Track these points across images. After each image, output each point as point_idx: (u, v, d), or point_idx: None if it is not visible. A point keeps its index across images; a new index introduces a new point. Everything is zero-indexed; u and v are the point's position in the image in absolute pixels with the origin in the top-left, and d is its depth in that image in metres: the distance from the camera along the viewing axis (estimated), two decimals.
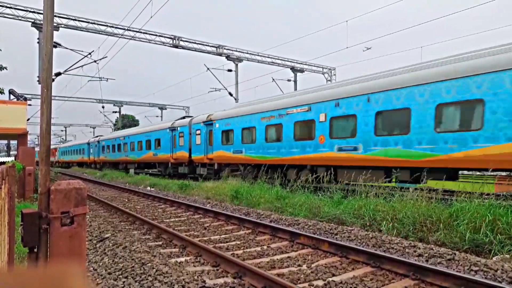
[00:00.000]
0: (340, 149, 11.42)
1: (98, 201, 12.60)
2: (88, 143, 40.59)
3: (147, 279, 4.45)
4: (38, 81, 19.91)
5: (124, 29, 21.42)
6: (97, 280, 4.62)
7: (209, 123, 18.48)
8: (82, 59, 20.63)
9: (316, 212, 8.61)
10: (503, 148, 7.76)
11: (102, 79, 27.49)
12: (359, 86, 11.21)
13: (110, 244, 6.36)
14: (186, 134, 20.64)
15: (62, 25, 20.33)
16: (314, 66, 30.22)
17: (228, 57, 26.15)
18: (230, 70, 26.78)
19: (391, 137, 10.02)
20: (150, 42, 23.03)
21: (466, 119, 8.50)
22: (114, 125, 54.83)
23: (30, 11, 19.42)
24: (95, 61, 21.15)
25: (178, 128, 21.54)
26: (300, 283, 4.39)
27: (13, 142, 40.51)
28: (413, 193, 7.74)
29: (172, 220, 8.99)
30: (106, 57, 20.87)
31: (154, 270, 4.73)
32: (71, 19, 20.69)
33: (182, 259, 5.48)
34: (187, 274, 4.58)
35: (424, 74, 9.41)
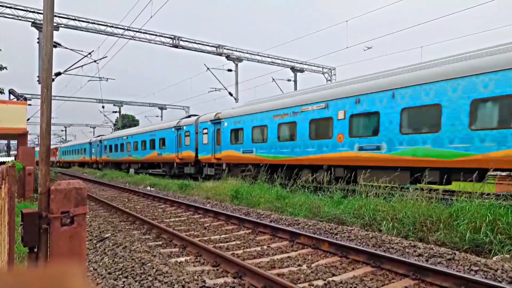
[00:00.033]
0: (360, 149, 10.79)
1: (98, 201, 12.60)
2: (90, 143, 39.87)
3: (147, 279, 4.45)
4: (38, 81, 19.90)
5: (124, 29, 21.42)
6: (97, 280, 4.62)
7: (217, 121, 17.88)
8: (82, 59, 20.64)
9: (316, 212, 8.62)
10: None
11: (102, 79, 27.48)
12: (382, 81, 10.57)
13: (110, 244, 6.36)
14: (192, 133, 20.09)
15: (62, 25, 20.33)
16: (314, 66, 30.21)
17: (228, 57, 26.14)
18: (230, 70, 26.78)
19: (419, 135, 9.38)
20: (150, 42, 23.02)
21: (507, 115, 7.89)
22: (114, 125, 54.83)
23: (30, 11, 19.42)
24: (95, 61, 21.15)
25: (184, 127, 20.97)
26: (300, 283, 4.39)
27: (13, 142, 40.53)
28: (413, 193, 7.74)
29: (172, 220, 8.99)
30: (106, 57, 20.88)
31: (154, 270, 4.73)
32: (71, 19, 20.68)
33: (182, 259, 5.49)
34: (187, 274, 4.58)
35: (457, 68, 8.85)
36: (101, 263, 5.35)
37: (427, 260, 5.09)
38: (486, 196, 7.12)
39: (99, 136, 40.60)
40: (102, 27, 21.48)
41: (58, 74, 20.56)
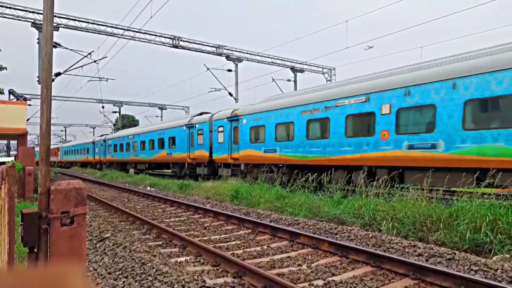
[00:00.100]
0: (410, 147, 9.57)
1: (98, 201, 12.60)
2: (93, 142, 38.55)
3: (147, 279, 4.45)
4: (38, 81, 19.91)
5: (124, 29, 21.42)
6: (97, 280, 4.62)
7: (234, 118, 16.63)
8: (82, 59, 20.64)
9: (316, 211, 8.62)
10: None
11: (102, 79, 27.47)
12: (438, 70, 9.30)
13: (110, 244, 6.36)
14: (206, 131, 18.92)
15: (62, 25, 20.33)
16: (314, 66, 30.21)
17: (228, 57, 26.14)
18: (230, 70, 26.78)
19: (488, 131, 8.15)
20: (150, 42, 23.03)
21: None
22: (114, 125, 54.82)
23: (30, 11, 19.42)
24: (95, 61, 21.16)
25: (197, 125, 19.68)
26: (300, 282, 4.40)
27: (13, 142, 40.53)
28: (413, 192, 7.74)
29: (172, 220, 8.99)
30: (106, 57, 20.89)
31: (154, 270, 4.73)
32: (71, 19, 20.69)
33: (182, 259, 5.49)
34: (187, 274, 4.59)
35: None
36: (101, 263, 5.35)
37: (427, 260, 5.09)
38: (486, 196, 7.10)
39: (102, 135, 39.38)
40: (102, 27, 21.48)
41: (58, 74, 20.57)
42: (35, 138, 66.48)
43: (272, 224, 7.45)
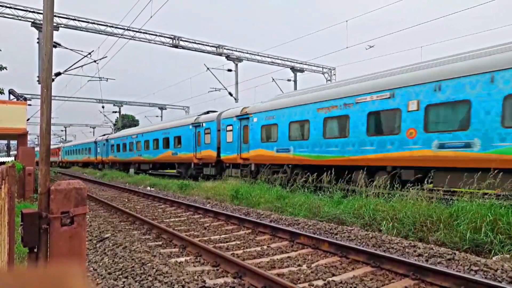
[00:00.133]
0: (441, 146, 8.93)
1: (98, 201, 12.60)
2: (95, 142, 37.75)
3: (147, 279, 4.45)
4: (38, 81, 19.91)
5: (124, 29, 21.42)
6: (97, 280, 4.62)
7: (244, 117, 15.97)
8: (82, 59, 20.64)
9: (316, 212, 8.62)
10: None
11: (102, 79, 27.46)
12: (474, 62, 8.69)
13: (110, 244, 6.36)
14: (213, 130, 18.27)
15: (62, 25, 20.33)
16: (314, 66, 30.22)
17: (228, 57, 26.15)
18: (230, 70, 26.78)
19: None
20: (150, 42, 23.03)
21: None
22: (114, 125, 54.82)
23: (30, 11, 19.42)
24: (95, 61, 21.15)
25: (204, 124, 19.03)
26: (300, 283, 4.40)
27: (13, 142, 40.55)
28: (413, 192, 7.74)
29: (172, 220, 8.99)
30: (106, 57, 20.88)
31: (154, 270, 4.73)
32: (71, 19, 20.69)
33: (182, 259, 5.49)
34: (187, 274, 4.58)
35: None
36: (101, 263, 5.35)
37: (427, 260, 5.09)
38: (487, 196, 7.08)
39: (105, 135, 38.70)
40: (102, 27, 21.48)
41: (58, 74, 20.57)
42: (35, 138, 66.49)
43: (272, 224, 7.45)
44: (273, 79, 27.51)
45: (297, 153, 13.07)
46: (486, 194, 7.15)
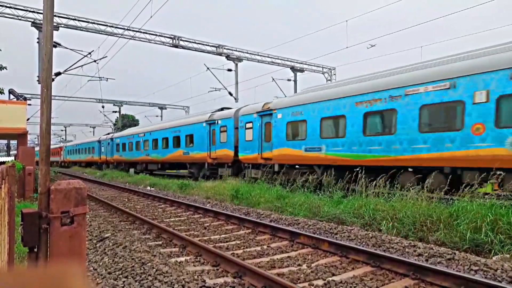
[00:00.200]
0: None
1: (98, 200, 12.60)
2: (99, 141, 36.49)
3: (147, 279, 4.45)
4: (38, 81, 19.91)
5: (124, 28, 21.42)
6: (97, 279, 4.62)
7: (266, 113, 14.78)
8: (82, 58, 20.64)
9: (316, 211, 8.62)
10: None
11: (102, 79, 27.46)
12: None
13: (110, 244, 6.36)
14: (230, 128, 17.11)
15: (62, 25, 20.33)
16: (314, 65, 30.23)
17: (228, 57, 26.15)
18: (230, 70, 26.79)
19: None
20: (150, 42, 23.03)
21: None
22: (114, 124, 54.84)
23: (30, 11, 19.42)
24: (95, 61, 21.15)
25: (219, 122, 17.88)
26: (300, 282, 4.40)
27: (13, 142, 40.55)
28: (413, 192, 7.74)
29: (172, 219, 9.00)
30: (106, 56, 20.88)
31: (154, 269, 4.73)
32: (71, 18, 20.69)
33: (182, 258, 5.49)
34: (187, 274, 4.59)
35: None
36: (101, 263, 5.35)
37: (427, 260, 5.09)
38: (487, 196, 7.06)
39: (109, 133, 37.71)
40: (102, 27, 21.49)
41: (58, 74, 20.56)
42: (35, 138, 66.50)
43: (272, 224, 7.45)
44: (273, 79, 27.53)
45: (330, 152, 11.85)
46: (486, 194, 7.13)
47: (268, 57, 28.01)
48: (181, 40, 23.87)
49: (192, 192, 14.30)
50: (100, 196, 14.04)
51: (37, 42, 19.55)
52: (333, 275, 4.65)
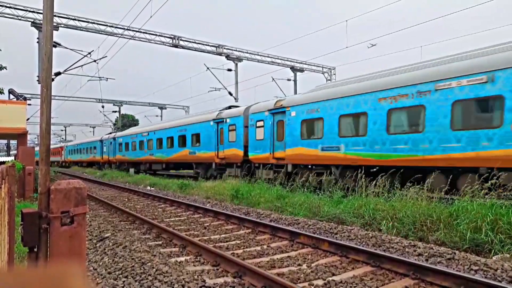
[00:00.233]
0: None
1: (98, 200, 12.60)
2: (101, 140, 35.88)
3: (147, 279, 4.45)
4: (38, 80, 19.91)
5: (124, 28, 21.43)
6: (97, 279, 4.62)
7: (278, 111, 14.22)
8: (81, 58, 20.63)
9: (316, 211, 8.62)
10: None
11: (102, 78, 27.46)
12: None
13: (110, 244, 6.36)
14: (239, 126, 16.54)
15: (62, 25, 20.33)
16: (314, 65, 30.23)
17: (228, 57, 26.16)
18: (230, 70, 26.80)
19: None
20: (150, 42, 23.04)
21: None
22: (114, 124, 54.85)
23: (30, 11, 19.43)
24: (94, 61, 21.14)
25: (228, 120, 17.28)
26: (300, 282, 4.40)
27: (13, 142, 40.55)
28: (413, 192, 7.73)
29: (172, 219, 9.00)
30: (106, 56, 20.86)
31: (154, 269, 4.73)
32: (71, 18, 20.69)
33: (182, 258, 5.49)
34: (187, 274, 4.58)
35: None
36: (101, 263, 5.35)
37: (427, 260, 5.09)
38: (488, 196, 7.04)
39: (111, 133, 37.39)
40: (102, 27, 21.49)
41: (58, 74, 20.55)
42: (35, 138, 66.51)
43: (272, 223, 7.45)
44: (273, 79, 27.54)
45: (350, 152, 11.22)
46: (487, 194, 7.11)
47: (268, 57, 28.02)
48: (181, 40, 23.87)
49: (192, 192, 14.30)
50: (100, 196, 14.04)
51: (37, 42, 19.55)
52: (333, 275, 4.65)
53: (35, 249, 2.73)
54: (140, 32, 22.17)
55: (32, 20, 19.44)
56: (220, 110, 18.70)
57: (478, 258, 4.99)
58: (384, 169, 9.74)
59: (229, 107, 19.05)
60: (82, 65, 21.46)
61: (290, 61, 29.08)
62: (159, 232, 7.25)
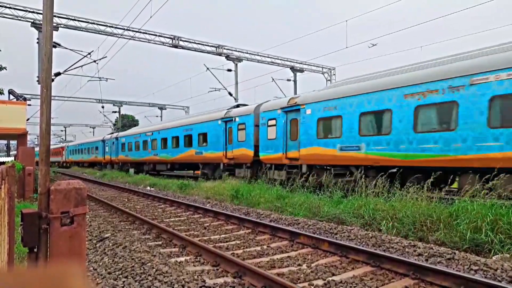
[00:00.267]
0: None
1: (98, 201, 12.60)
2: (103, 140, 35.35)
3: (147, 279, 4.46)
4: (37, 81, 19.91)
5: (123, 29, 21.43)
6: (97, 280, 4.62)
7: (292, 109, 13.64)
8: (81, 59, 20.64)
9: (316, 211, 8.62)
10: None
11: (102, 79, 27.44)
12: None
13: (110, 244, 6.36)
14: (249, 126, 15.86)
15: (62, 25, 20.33)
16: (314, 66, 30.24)
17: (227, 57, 26.16)
18: (229, 70, 26.81)
19: None
20: (149, 42, 23.04)
21: None
22: (114, 125, 54.83)
23: (30, 11, 19.43)
24: (94, 61, 21.15)
25: (237, 119, 16.62)
26: (300, 282, 4.40)
27: (13, 142, 40.55)
28: (413, 192, 7.73)
29: (172, 219, 9.00)
30: (106, 57, 20.88)
31: (154, 269, 4.73)
32: (71, 19, 20.69)
33: (182, 258, 5.49)
34: (187, 274, 4.59)
35: None
36: (101, 263, 5.35)
37: (427, 260, 5.09)
38: (488, 196, 7.03)
39: (113, 133, 36.98)
40: (102, 27, 21.49)
41: (57, 74, 20.56)
42: (35, 138, 66.47)
43: (272, 224, 7.45)
44: (273, 79, 27.56)
45: (372, 152, 10.54)
46: (487, 194, 7.09)
47: (268, 57, 28.03)
48: (180, 40, 23.87)
49: (192, 192, 14.30)
50: (100, 196, 14.04)
51: (37, 43, 19.56)
52: (333, 275, 4.65)
53: (35, 250, 2.73)
54: (140, 32, 22.18)
55: (32, 20, 19.44)
56: (228, 109, 18.11)
57: (478, 258, 4.99)
58: (408, 170, 9.26)
59: (238, 106, 18.57)
60: (82, 66, 21.49)
61: (290, 61, 29.09)
62: (159, 232, 7.25)
